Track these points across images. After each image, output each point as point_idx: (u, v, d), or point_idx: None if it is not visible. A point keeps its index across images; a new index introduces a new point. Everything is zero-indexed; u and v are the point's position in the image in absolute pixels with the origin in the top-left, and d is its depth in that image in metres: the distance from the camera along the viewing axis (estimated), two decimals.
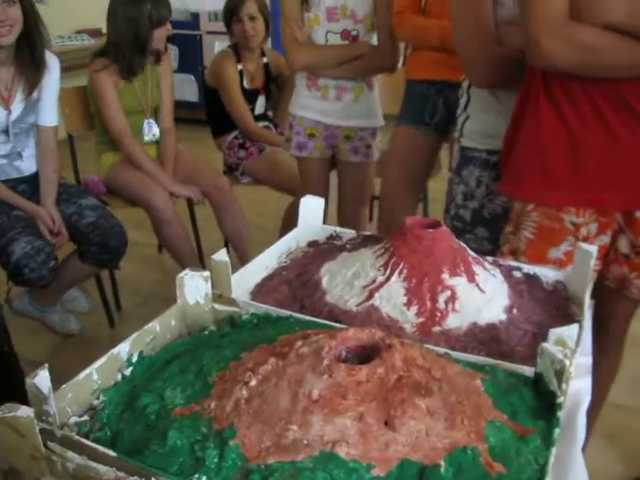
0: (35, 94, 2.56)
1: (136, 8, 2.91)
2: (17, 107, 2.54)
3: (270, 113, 3.67)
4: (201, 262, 3.39)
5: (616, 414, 2.01)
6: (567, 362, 0.82)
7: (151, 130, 3.19)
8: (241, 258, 3.25)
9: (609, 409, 1.93)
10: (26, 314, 2.88)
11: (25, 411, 0.75)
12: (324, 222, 1.47)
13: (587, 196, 1.46)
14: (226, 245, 3.42)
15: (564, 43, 1.33)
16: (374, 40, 2.63)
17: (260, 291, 1.19)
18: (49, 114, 2.66)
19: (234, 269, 1.16)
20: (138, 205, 3.07)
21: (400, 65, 2.73)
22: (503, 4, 1.63)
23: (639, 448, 2.24)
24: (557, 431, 0.78)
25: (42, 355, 2.82)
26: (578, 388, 0.94)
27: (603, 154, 1.42)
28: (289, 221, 3.25)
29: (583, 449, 0.88)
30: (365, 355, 0.82)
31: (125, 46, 2.94)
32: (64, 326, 2.95)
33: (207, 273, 1.05)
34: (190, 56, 6.39)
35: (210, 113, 3.63)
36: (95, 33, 5.98)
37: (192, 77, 6.45)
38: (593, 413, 1.77)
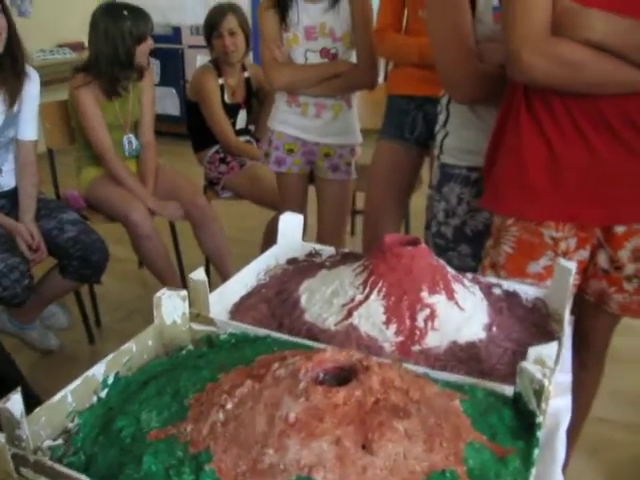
0: (15, 107, 2.54)
1: (115, 25, 2.90)
2: None
3: (251, 127, 3.67)
4: (182, 278, 3.37)
5: (599, 428, 2.02)
6: (546, 382, 0.81)
7: (131, 146, 3.18)
8: (222, 275, 3.23)
9: (592, 423, 1.93)
10: (5, 331, 2.85)
11: None
12: (303, 237, 1.46)
13: (566, 211, 1.47)
14: (207, 262, 3.41)
15: (545, 58, 1.34)
16: (354, 57, 2.64)
17: (239, 310, 1.18)
18: (29, 128, 2.64)
19: (216, 286, 1.15)
20: (117, 220, 3.06)
21: (381, 80, 2.74)
22: (482, 21, 1.64)
23: (622, 461, 2.25)
24: (536, 451, 0.78)
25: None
26: (558, 407, 0.94)
27: (583, 170, 1.43)
28: (270, 236, 3.25)
29: (563, 468, 0.88)
30: (343, 377, 0.81)
31: (105, 63, 2.94)
32: (43, 342, 2.92)
33: (184, 292, 1.04)
34: (172, 70, 6.39)
35: (191, 127, 3.62)
36: (77, 47, 5.96)
37: (174, 90, 6.45)
38: (575, 429, 1.77)
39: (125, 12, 2.93)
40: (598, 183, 1.43)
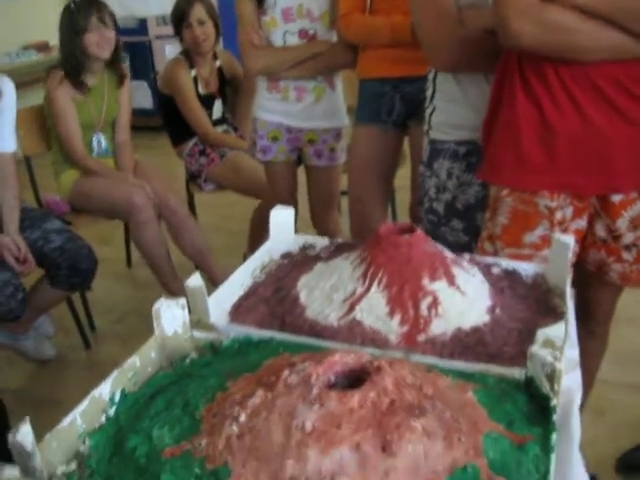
0: None
1: (64, 18, 2.95)
2: None
3: (228, 116, 3.63)
4: None
5: (602, 390, 2.03)
6: (557, 364, 0.81)
7: (100, 146, 3.15)
8: (207, 273, 3.18)
9: (595, 385, 1.94)
10: None
11: (9, 472, 0.72)
12: (296, 224, 1.44)
13: (561, 180, 1.46)
14: None
15: (533, 24, 1.33)
16: (335, 37, 2.61)
17: (238, 312, 1.16)
18: (7, 139, 2.59)
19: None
20: (115, 212, 3.04)
21: None
22: None
23: (628, 422, 2.26)
24: (554, 436, 0.77)
25: (20, 383, 2.77)
26: (569, 384, 0.93)
27: (577, 139, 1.42)
28: (258, 225, 3.23)
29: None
30: (354, 378, 0.80)
31: (65, 58, 2.96)
32: (39, 352, 2.89)
33: (183, 301, 1.03)
34: (141, 63, 6.32)
35: (167, 122, 3.58)
36: (42, 47, 5.89)
37: (145, 84, 6.38)
38: (582, 396, 1.78)
39: (72, 5, 2.92)
40: (593, 152, 1.43)
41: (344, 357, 0.80)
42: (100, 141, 3.16)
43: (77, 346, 3.02)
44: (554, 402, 0.81)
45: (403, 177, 2.92)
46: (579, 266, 1.62)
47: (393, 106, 2.47)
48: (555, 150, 1.44)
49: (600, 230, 1.55)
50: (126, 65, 3.60)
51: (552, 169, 1.46)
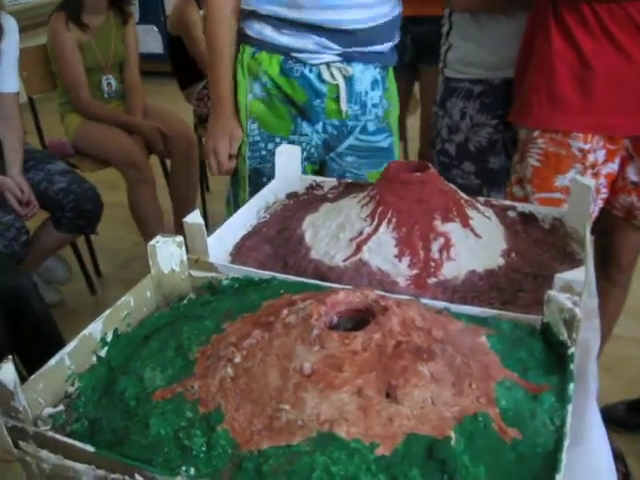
0: None
1: None
2: None
3: None
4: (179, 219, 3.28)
5: (614, 345, 1.97)
6: (577, 310, 0.75)
7: (110, 87, 3.07)
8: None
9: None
10: None
11: None
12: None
13: (596, 121, 1.41)
14: (204, 200, 3.32)
15: None
16: None
17: (240, 252, 1.11)
18: (9, 80, 2.50)
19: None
20: (113, 164, 2.97)
21: None
22: None
23: (635, 377, 2.22)
24: (572, 386, 0.72)
25: None
26: (586, 334, 0.88)
27: (614, 76, 1.37)
28: None
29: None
30: (358, 319, 0.75)
31: None
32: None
33: (180, 238, 0.97)
34: (151, 6, 6.15)
35: (175, 64, 3.48)
36: None
37: (155, 28, 6.23)
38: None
39: None
40: (631, 91, 1.37)
41: (348, 296, 0.75)
42: (110, 83, 3.08)
43: (83, 291, 2.98)
44: (572, 350, 0.76)
45: (415, 128, 2.83)
46: (606, 212, 1.57)
47: (405, 48, 2.37)
48: (591, 89, 1.38)
49: (632, 174, 1.50)
50: (134, 5, 3.49)
51: (587, 109, 1.40)
